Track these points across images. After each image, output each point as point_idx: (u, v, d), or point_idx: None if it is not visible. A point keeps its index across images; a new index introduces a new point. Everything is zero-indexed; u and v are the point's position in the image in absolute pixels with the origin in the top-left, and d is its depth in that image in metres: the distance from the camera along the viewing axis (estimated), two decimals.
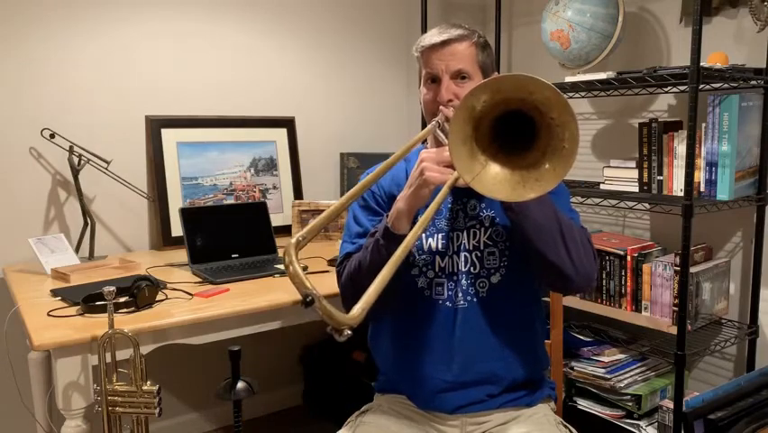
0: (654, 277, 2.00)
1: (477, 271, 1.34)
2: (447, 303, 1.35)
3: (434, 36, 1.34)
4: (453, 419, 1.34)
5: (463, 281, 1.34)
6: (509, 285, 1.34)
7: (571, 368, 2.16)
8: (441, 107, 1.30)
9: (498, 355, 1.33)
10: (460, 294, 1.34)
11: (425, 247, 1.36)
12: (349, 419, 1.43)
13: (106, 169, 2.17)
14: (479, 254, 1.34)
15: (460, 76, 1.33)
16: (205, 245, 2.04)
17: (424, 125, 1.52)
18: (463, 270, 1.34)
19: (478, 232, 1.35)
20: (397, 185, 1.41)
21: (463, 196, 1.37)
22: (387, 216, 1.24)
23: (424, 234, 1.36)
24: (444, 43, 1.32)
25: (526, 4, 2.81)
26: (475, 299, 1.33)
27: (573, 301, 2.21)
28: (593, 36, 2.13)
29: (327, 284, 1.58)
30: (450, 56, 1.32)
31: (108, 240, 2.29)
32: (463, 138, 1.06)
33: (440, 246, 1.36)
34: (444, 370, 1.33)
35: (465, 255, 1.34)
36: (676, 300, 1.88)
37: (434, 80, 1.35)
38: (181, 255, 2.07)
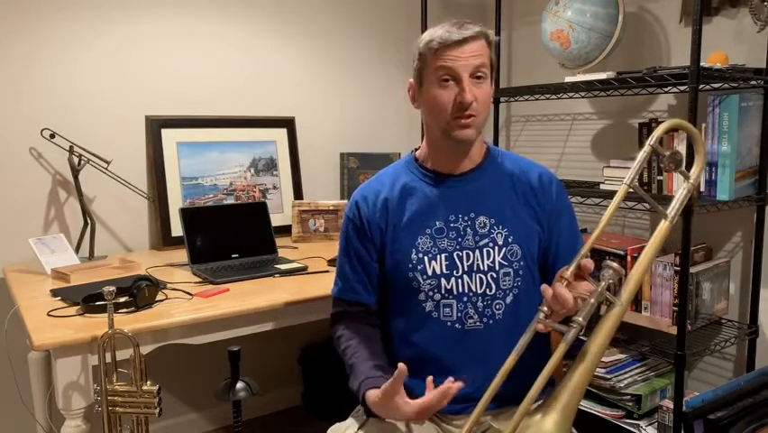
0: (654, 277, 2.00)
1: (493, 292, 1.32)
2: (456, 325, 1.32)
3: (451, 33, 1.27)
4: (459, 418, 1.33)
5: (479, 303, 1.32)
6: (523, 304, 1.33)
7: None
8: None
9: (520, 374, 1.20)
10: (475, 316, 1.32)
11: (429, 271, 1.32)
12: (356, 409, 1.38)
13: (106, 169, 2.17)
14: (494, 275, 1.32)
15: (476, 75, 1.28)
16: (205, 245, 2.04)
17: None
18: (479, 291, 1.32)
19: (492, 251, 1.32)
20: (377, 211, 1.38)
21: (470, 211, 1.34)
22: (364, 384, 1.25)
23: (426, 257, 1.33)
24: (464, 41, 1.26)
25: (526, 4, 2.81)
26: (491, 321, 1.31)
27: None
28: (593, 36, 2.13)
29: (326, 284, 1.57)
30: (470, 54, 1.27)
31: (108, 240, 2.29)
32: None
33: (444, 268, 1.32)
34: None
35: (480, 277, 1.31)
36: (676, 300, 1.88)
37: (447, 80, 1.28)
38: (181, 255, 2.07)
